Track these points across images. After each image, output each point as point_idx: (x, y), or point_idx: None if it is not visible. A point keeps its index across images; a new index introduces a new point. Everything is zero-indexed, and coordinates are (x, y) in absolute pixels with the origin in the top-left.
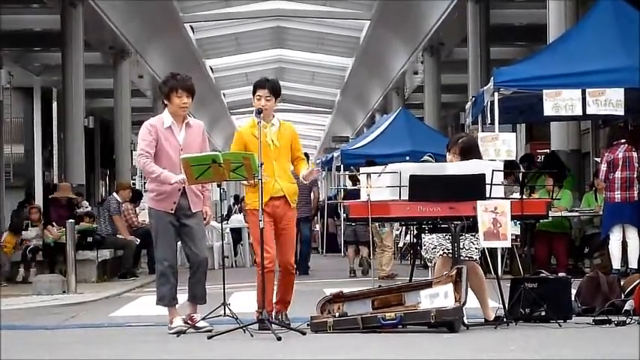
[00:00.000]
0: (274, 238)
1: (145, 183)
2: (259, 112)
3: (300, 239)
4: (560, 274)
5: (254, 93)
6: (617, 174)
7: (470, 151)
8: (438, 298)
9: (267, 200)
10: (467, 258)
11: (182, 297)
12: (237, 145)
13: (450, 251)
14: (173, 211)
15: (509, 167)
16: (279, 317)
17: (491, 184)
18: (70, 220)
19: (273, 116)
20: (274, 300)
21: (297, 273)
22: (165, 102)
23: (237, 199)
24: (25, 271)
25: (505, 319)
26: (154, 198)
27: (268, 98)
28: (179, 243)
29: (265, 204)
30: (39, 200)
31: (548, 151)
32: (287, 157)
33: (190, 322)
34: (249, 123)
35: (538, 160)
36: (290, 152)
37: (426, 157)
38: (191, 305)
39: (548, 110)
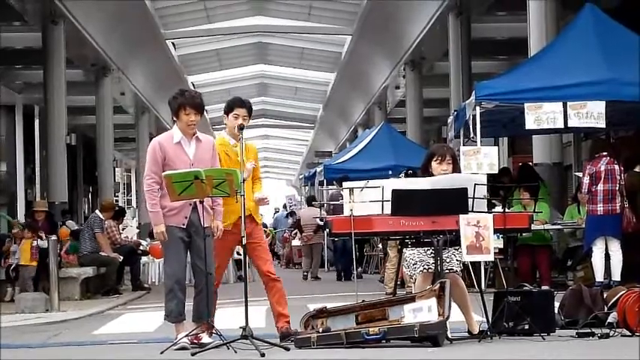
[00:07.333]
0: (250, 253)
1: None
2: (242, 128)
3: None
4: (544, 287)
5: (231, 111)
6: (600, 187)
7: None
8: (421, 312)
9: (236, 220)
10: (448, 270)
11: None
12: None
13: (430, 267)
14: (185, 226)
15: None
16: (285, 333)
17: (473, 198)
18: (53, 238)
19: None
20: (275, 316)
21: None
22: (174, 118)
23: None
24: (10, 289)
25: (489, 333)
26: (165, 214)
27: (245, 117)
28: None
29: (234, 224)
30: (21, 218)
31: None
32: (250, 177)
33: (196, 342)
34: (219, 141)
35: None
36: (252, 172)
37: (402, 175)
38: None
39: (530, 124)
